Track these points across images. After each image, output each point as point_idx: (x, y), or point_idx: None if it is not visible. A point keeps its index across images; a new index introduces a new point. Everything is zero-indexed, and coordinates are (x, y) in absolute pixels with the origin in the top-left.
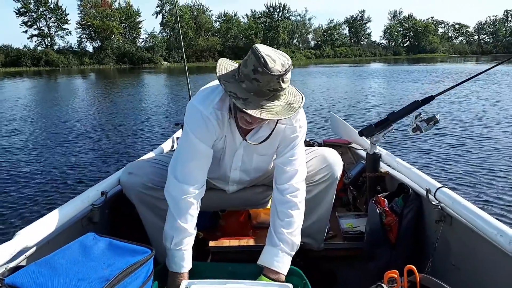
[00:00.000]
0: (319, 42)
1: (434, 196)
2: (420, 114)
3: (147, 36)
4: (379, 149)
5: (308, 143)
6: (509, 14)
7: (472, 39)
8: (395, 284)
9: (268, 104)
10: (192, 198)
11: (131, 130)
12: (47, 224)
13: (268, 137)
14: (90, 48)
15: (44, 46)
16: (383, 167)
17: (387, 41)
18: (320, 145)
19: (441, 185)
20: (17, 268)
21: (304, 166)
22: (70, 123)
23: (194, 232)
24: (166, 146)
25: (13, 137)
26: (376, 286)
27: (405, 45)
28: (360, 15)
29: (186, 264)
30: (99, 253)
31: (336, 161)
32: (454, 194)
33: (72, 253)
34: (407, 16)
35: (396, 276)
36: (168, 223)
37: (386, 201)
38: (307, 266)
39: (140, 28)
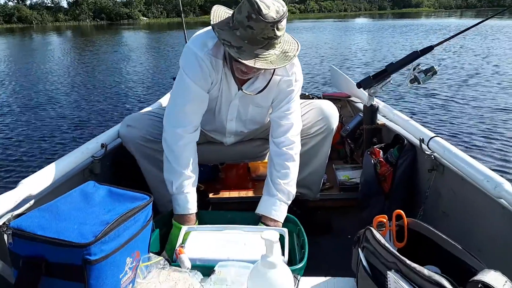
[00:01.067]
0: None
1: (427, 145)
2: (418, 65)
3: None
4: (376, 101)
5: (307, 97)
6: None
7: None
8: (384, 228)
9: (262, 53)
10: (186, 141)
11: (128, 85)
12: (49, 174)
13: (264, 88)
14: (64, 4)
15: (16, 1)
16: (380, 119)
17: None
18: (319, 98)
19: (434, 135)
20: (21, 215)
21: (300, 120)
22: (63, 79)
23: (193, 175)
24: (164, 100)
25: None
26: (365, 229)
27: None
28: None
29: (191, 206)
30: (100, 200)
31: (332, 113)
32: (446, 143)
33: (74, 200)
34: None
35: (384, 220)
36: (165, 169)
37: (381, 152)
38: (303, 215)
39: None
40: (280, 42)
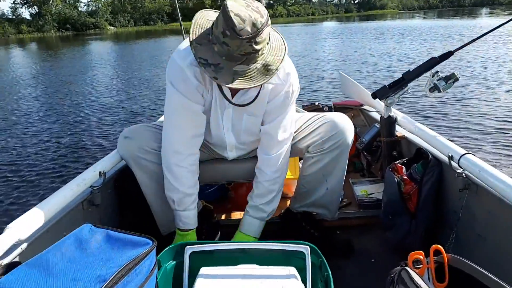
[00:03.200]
0: (271, 1)
1: (458, 163)
2: (437, 72)
3: (89, 0)
4: (394, 112)
5: (316, 107)
6: None
7: None
8: (421, 266)
9: (242, 69)
10: (185, 163)
11: (121, 102)
12: (40, 214)
13: (255, 98)
14: (27, 15)
15: None
16: (399, 131)
17: None
18: (330, 108)
19: (466, 152)
20: (10, 265)
21: (291, 134)
22: (39, 99)
23: (194, 192)
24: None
25: None
26: (400, 269)
27: (355, 2)
28: None
29: (192, 221)
30: (96, 247)
31: (346, 126)
32: (480, 161)
33: (67, 249)
34: None
35: (421, 257)
36: (166, 187)
37: (404, 168)
38: (322, 237)
39: None
40: (262, 54)
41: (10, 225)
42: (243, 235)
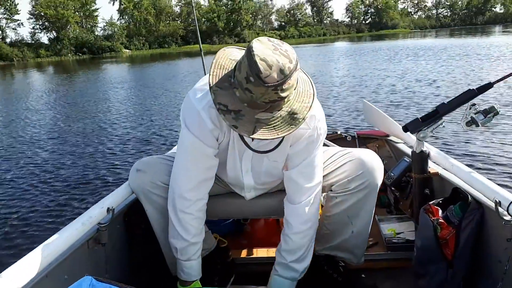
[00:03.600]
0: (283, 23)
1: (507, 210)
2: (474, 104)
3: (105, 24)
4: (426, 146)
5: (339, 136)
6: None
7: (430, 14)
8: None
9: (265, 117)
10: (192, 209)
11: (134, 131)
12: (43, 256)
13: (277, 146)
14: (45, 40)
15: None
16: (431, 167)
17: (349, 18)
18: (353, 138)
19: None
20: None
21: (320, 178)
22: (50, 125)
23: (198, 241)
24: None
25: None
26: None
27: (367, 22)
28: None
29: (195, 272)
30: None
31: (375, 165)
32: None
33: None
34: None
35: None
36: (170, 233)
37: (440, 211)
38: (345, 282)
39: (97, 16)
40: (288, 101)
41: (2, 274)
42: None
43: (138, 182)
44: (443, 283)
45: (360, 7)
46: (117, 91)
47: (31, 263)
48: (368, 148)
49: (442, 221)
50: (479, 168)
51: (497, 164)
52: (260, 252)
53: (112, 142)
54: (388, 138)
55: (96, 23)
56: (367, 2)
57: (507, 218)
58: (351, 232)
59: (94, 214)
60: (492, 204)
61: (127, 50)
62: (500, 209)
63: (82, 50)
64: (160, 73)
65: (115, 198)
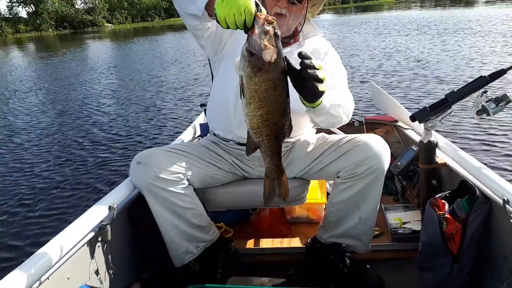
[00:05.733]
0: None
1: None
2: (486, 91)
3: None
4: (434, 136)
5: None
6: None
7: None
8: None
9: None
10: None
11: (136, 120)
12: (45, 258)
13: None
14: (24, 14)
15: None
16: (439, 156)
17: None
18: (360, 123)
19: None
20: None
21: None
22: (37, 114)
23: None
24: (186, 135)
25: None
26: None
27: None
28: None
29: None
30: None
31: (382, 150)
32: None
33: None
34: None
35: None
36: None
37: (446, 205)
38: (351, 272)
39: None
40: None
41: (6, 277)
42: None
43: (139, 176)
44: (448, 278)
45: None
46: (105, 74)
47: (34, 266)
48: (376, 133)
49: (448, 216)
50: (489, 162)
51: (508, 158)
52: (265, 243)
53: (109, 135)
54: (397, 123)
55: None
56: None
57: None
58: (359, 218)
59: (96, 213)
60: (500, 201)
61: (110, 24)
62: (508, 207)
63: (63, 24)
64: (146, 50)
65: (117, 195)
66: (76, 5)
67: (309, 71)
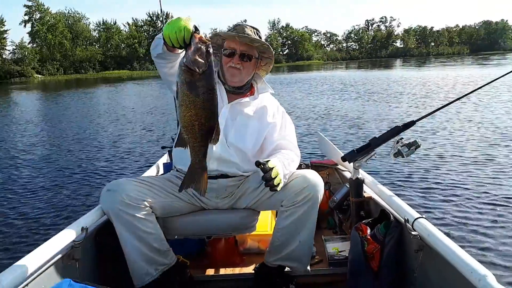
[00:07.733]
0: None
1: (412, 226)
2: (401, 138)
3: (14, 47)
4: (362, 174)
5: None
6: (369, 23)
7: (341, 46)
8: None
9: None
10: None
11: (108, 155)
12: (23, 269)
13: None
14: None
15: None
16: (367, 191)
17: None
18: (307, 166)
19: (419, 216)
20: None
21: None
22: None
23: None
24: (151, 173)
25: None
26: None
27: (284, 53)
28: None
29: None
30: None
31: (317, 181)
32: (430, 226)
33: None
34: (284, 25)
35: None
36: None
37: (368, 229)
38: None
39: (5, 38)
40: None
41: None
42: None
43: (108, 202)
44: None
45: (278, 38)
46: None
47: (10, 277)
48: (320, 174)
49: (369, 237)
50: (402, 193)
51: (416, 188)
52: (218, 271)
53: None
54: (337, 166)
55: (5, 45)
56: (285, 34)
57: (414, 233)
58: (299, 241)
59: (69, 233)
60: (403, 220)
61: (39, 76)
62: (408, 225)
63: None
64: (74, 102)
65: (89, 218)
66: (3, 55)
67: (270, 182)
